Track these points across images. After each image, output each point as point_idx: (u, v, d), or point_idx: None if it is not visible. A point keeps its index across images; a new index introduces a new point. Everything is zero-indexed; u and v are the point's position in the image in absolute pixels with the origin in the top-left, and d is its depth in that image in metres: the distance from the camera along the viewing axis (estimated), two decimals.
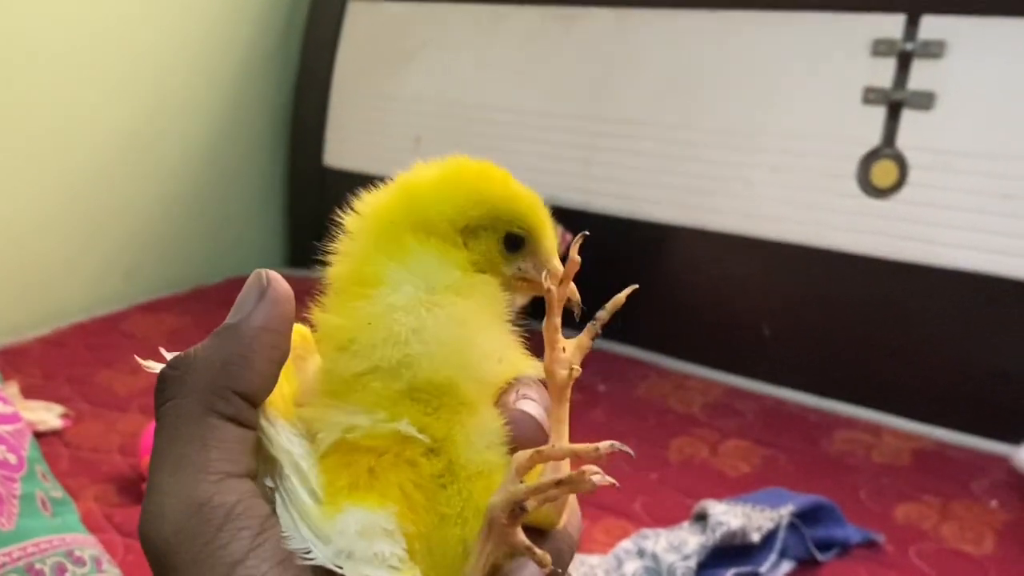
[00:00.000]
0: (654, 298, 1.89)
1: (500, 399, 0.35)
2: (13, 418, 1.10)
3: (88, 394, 1.63)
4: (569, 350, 0.35)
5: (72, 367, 1.73)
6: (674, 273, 1.93)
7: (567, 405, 0.35)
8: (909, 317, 1.70)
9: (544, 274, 0.37)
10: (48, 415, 1.50)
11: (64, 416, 1.52)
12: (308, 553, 0.31)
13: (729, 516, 1.19)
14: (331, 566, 0.31)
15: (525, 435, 0.34)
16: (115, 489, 1.35)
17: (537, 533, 0.33)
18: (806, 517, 1.25)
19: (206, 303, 2.10)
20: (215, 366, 0.33)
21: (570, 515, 0.35)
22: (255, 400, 0.33)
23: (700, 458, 1.52)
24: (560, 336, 0.35)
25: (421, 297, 0.35)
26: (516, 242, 0.38)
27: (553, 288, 0.36)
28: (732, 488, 1.38)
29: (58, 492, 1.09)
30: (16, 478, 1.04)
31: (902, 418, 1.66)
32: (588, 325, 0.35)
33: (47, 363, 1.75)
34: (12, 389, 1.51)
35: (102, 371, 1.71)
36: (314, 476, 0.33)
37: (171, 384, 0.33)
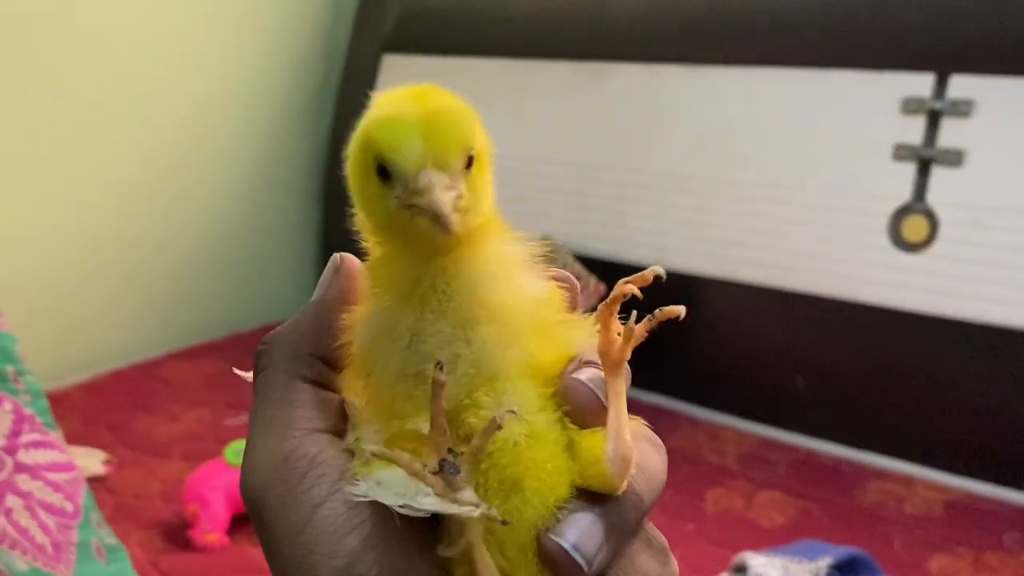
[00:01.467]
0: (687, 349, 1.90)
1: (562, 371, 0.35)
2: (68, 466, 1.12)
3: (128, 440, 1.65)
4: (623, 335, 0.35)
5: (111, 413, 1.76)
6: (707, 324, 1.95)
7: (623, 380, 0.34)
8: (940, 370, 1.71)
9: (428, 195, 0.32)
10: (91, 461, 1.52)
11: (106, 463, 1.54)
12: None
13: (768, 568, 1.20)
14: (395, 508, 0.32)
15: (580, 402, 0.34)
16: (160, 535, 1.37)
17: (602, 497, 0.34)
18: (844, 569, 1.26)
19: (242, 349, 2.12)
20: (297, 336, 0.37)
21: (642, 478, 0.35)
22: (334, 364, 0.36)
23: (736, 509, 1.53)
24: (616, 321, 0.35)
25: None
26: (382, 171, 0.34)
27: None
28: (768, 539, 1.39)
29: (112, 540, 1.11)
30: (73, 526, 1.06)
31: (934, 470, 1.67)
32: (645, 318, 0.35)
33: (87, 410, 1.77)
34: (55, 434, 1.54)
35: (142, 417, 1.73)
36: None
37: (262, 357, 0.37)
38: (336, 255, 0.39)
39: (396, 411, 0.34)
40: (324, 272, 0.39)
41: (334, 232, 2.51)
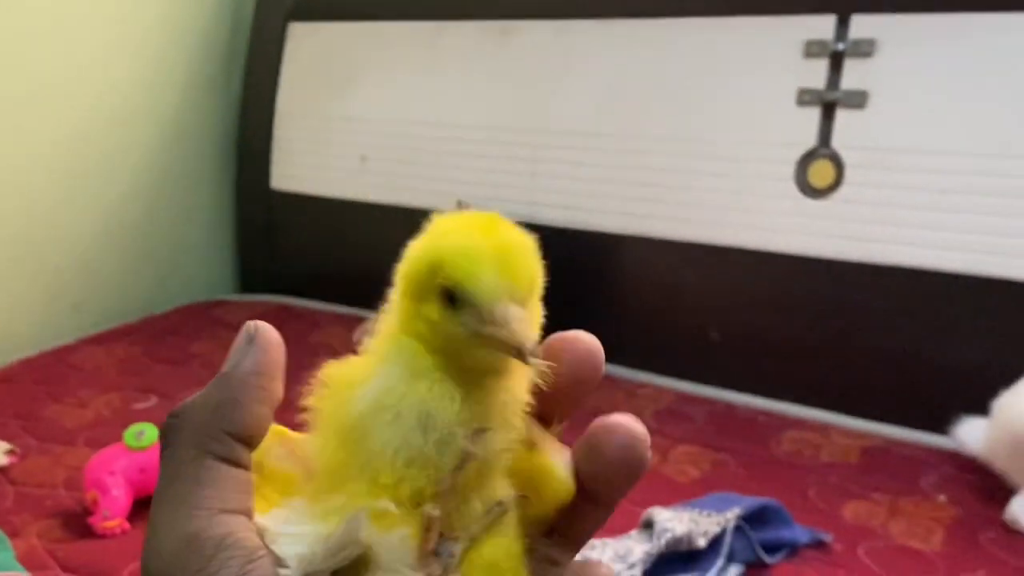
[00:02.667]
0: (602, 308, 1.89)
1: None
2: None
3: (35, 430, 1.60)
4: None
5: (20, 403, 1.71)
6: (621, 282, 1.94)
7: None
8: (852, 315, 1.71)
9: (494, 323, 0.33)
10: None
11: (10, 453, 1.50)
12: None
13: (674, 522, 1.19)
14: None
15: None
16: (59, 524, 1.33)
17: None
18: (753, 520, 1.25)
19: (156, 332, 2.08)
20: (208, 411, 0.34)
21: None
22: (248, 441, 0.35)
23: (650, 465, 1.51)
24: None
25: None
26: (451, 296, 0.34)
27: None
28: (682, 494, 1.38)
29: None
30: None
31: (850, 416, 1.67)
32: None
33: None
34: None
35: (50, 406, 1.69)
36: None
37: (169, 432, 0.35)
38: (250, 324, 0.37)
39: (369, 488, 0.34)
40: (236, 341, 0.36)
41: (247, 206, 2.46)
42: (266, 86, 2.34)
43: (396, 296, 0.37)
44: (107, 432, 1.56)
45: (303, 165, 2.30)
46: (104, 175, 2.16)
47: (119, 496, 1.32)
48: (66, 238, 2.10)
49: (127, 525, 1.31)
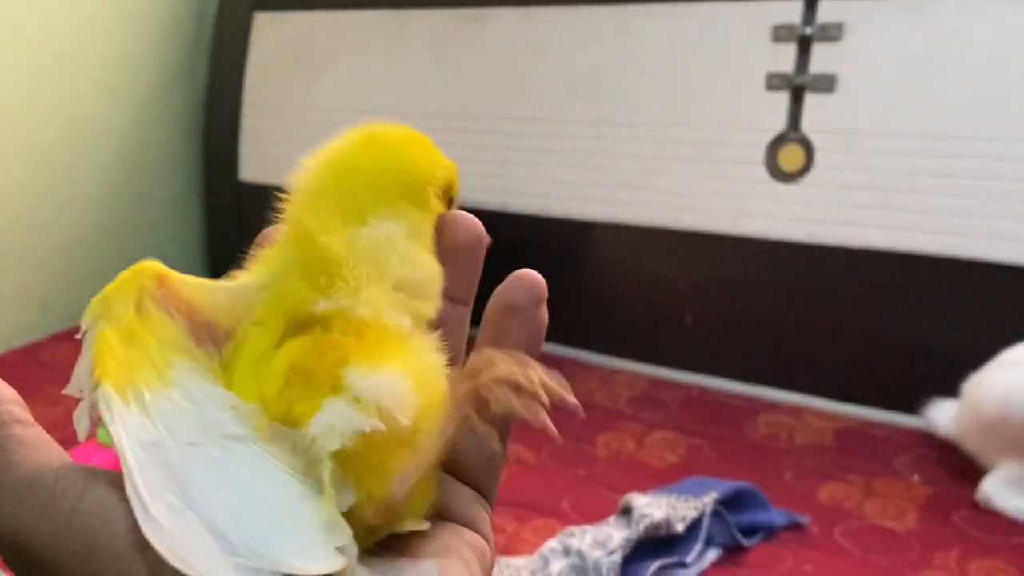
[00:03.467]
0: (577, 295, 1.89)
1: None
2: None
3: None
4: None
5: None
6: (595, 269, 1.94)
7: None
8: (825, 298, 1.72)
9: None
10: None
11: None
12: None
13: (653, 508, 1.19)
14: None
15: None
16: None
17: None
18: (730, 503, 1.26)
19: None
20: None
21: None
22: None
23: (627, 452, 1.52)
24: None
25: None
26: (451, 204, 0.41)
27: None
28: (659, 479, 1.38)
29: None
30: None
31: (824, 399, 1.68)
32: None
33: None
34: None
35: None
36: None
37: None
38: None
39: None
40: None
41: (216, 198, 2.44)
42: (232, 77, 2.32)
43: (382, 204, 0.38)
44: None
45: (271, 157, 2.28)
46: (70, 171, 2.13)
47: None
48: (33, 234, 2.08)
49: None
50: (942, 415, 1.48)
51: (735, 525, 1.24)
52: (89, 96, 2.15)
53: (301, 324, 0.34)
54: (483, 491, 0.38)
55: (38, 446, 0.32)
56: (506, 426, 0.36)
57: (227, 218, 2.42)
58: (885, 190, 1.61)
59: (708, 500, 1.23)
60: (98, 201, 2.21)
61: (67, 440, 1.18)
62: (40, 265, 2.10)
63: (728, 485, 1.28)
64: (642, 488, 1.28)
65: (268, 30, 2.28)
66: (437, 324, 0.37)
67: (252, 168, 2.33)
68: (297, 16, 2.25)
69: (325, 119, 2.19)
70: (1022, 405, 1.34)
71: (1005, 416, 1.34)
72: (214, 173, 2.43)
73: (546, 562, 1.14)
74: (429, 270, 0.37)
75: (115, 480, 0.30)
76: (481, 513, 0.37)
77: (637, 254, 1.88)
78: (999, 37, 1.55)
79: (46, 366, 1.86)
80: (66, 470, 0.31)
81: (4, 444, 0.32)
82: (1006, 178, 1.53)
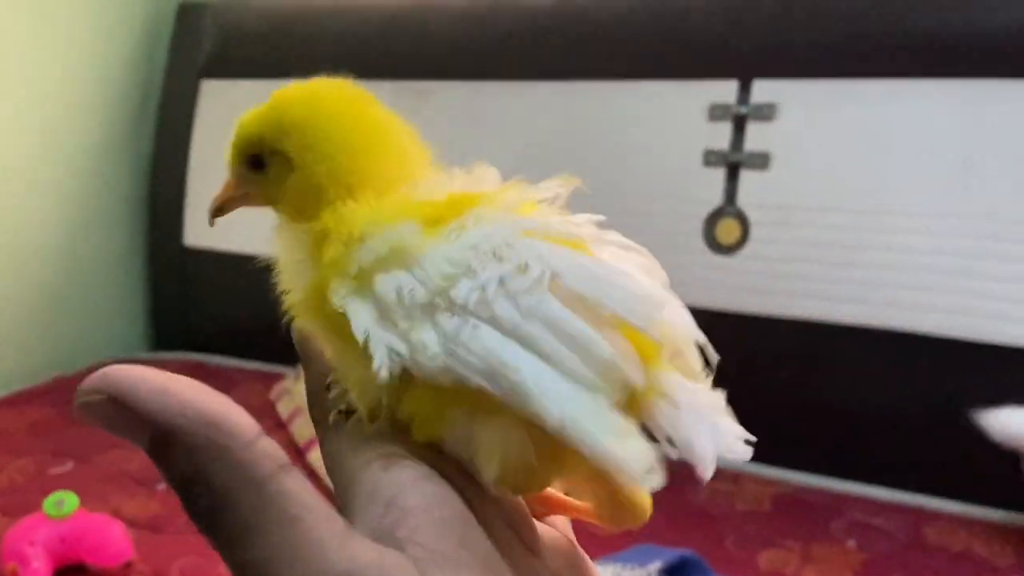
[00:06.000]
0: None
1: None
2: None
3: None
4: None
5: None
6: None
7: None
8: (760, 366, 1.76)
9: None
10: None
11: None
12: None
13: None
14: None
15: None
16: None
17: None
18: (674, 572, 1.28)
19: (68, 393, 2.03)
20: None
21: None
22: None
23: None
24: None
25: None
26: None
27: None
28: (603, 547, 1.40)
29: None
30: None
31: (761, 464, 1.72)
32: None
33: None
34: None
35: None
36: None
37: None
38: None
39: None
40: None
41: (160, 263, 2.44)
42: (179, 143, 2.33)
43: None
44: (23, 499, 1.53)
45: (217, 221, 2.29)
46: (12, 233, 2.12)
47: (39, 568, 1.30)
48: None
49: None
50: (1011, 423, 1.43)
51: None
52: (34, 159, 2.15)
53: None
54: None
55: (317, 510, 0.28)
56: None
57: (171, 283, 2.42)
58: (817, 262, 1.67)
59: (653, 569, 1.25)
60: (40, 264, 2.20)
61: (12, 511, 1.17)
62: None
63: (672, 553, 1.31)
64: (589, 556, 1.30)
65: (215, 97, 2.30)
66: None
67: (197, 233, 2.33)
68: (244, 84, 2.27)
69: None
70: None
71: None
72: (159, 237, 2.43)
73: None
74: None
75: None
76: None
77: None
78: (923, 118, 1.63)
79: None
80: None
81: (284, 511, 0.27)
82: (932, 252, 1.60)
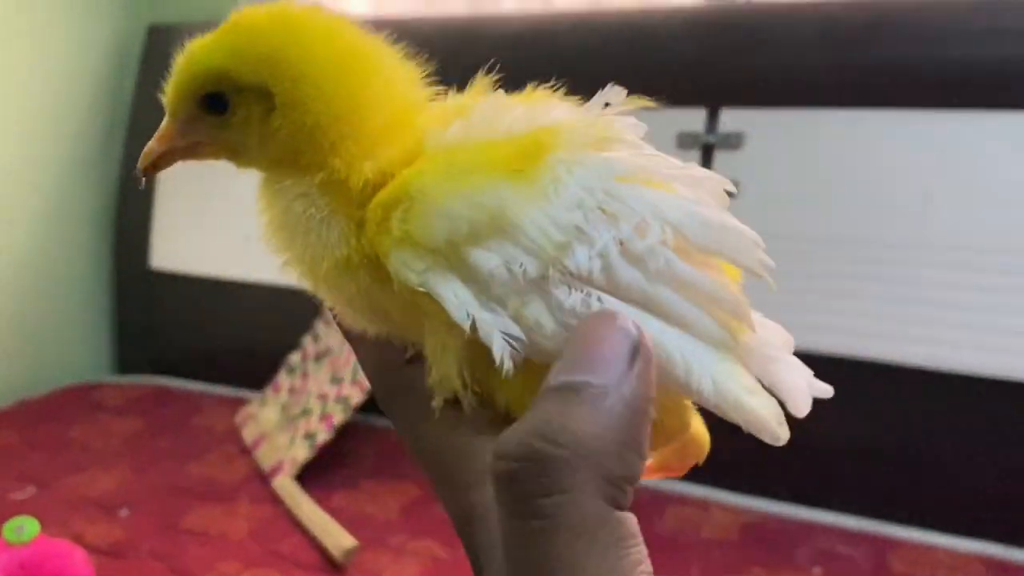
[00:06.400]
0: None
1: None
2: None
3: None
4: None
5: None
6: None
7: None
8: None
9: None
10: None
11: None
12: None
13: None
14: None
15: None
16: None
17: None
18: None
19: (32, 417, 2.02)
20: (611, 453, 0.28)
21: None
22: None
23: None
24: None
25: None
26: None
27: None
28: None
29: None
30: None
31: (729, 492, 1.72)
32: None
33: None
34: None
35: None
36: None
37: (560, 470, 0.27)
38: (627, 322, 0.29)
39: None
40: (604, 341, 0.29)
41: (126, 286, 2.42)
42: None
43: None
44: None
45: (184, 244, 2.28)
46: None
47: None
48: None
49: None
50: None
51: None
52: None
53: None
54: None
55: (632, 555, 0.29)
56: None
57: (136, 305, 2.40)
58: (787, 292, 1.67)
59: None
60: (5, 287, 2.18)
61: None
62: None
63: None
64: None
65: None
66: None
67: (164, 255, 2.32)
68: None
69: (240, 209, 2.19)
70: None
71: None
72: (125, 260, 2.41)
73: None
74: None
75: None
76: None
77: None
78: (887, 146, 1.65)
79: None
80: None
81: (612, 537, 0.28)
82: (897, 282, 1.61)
